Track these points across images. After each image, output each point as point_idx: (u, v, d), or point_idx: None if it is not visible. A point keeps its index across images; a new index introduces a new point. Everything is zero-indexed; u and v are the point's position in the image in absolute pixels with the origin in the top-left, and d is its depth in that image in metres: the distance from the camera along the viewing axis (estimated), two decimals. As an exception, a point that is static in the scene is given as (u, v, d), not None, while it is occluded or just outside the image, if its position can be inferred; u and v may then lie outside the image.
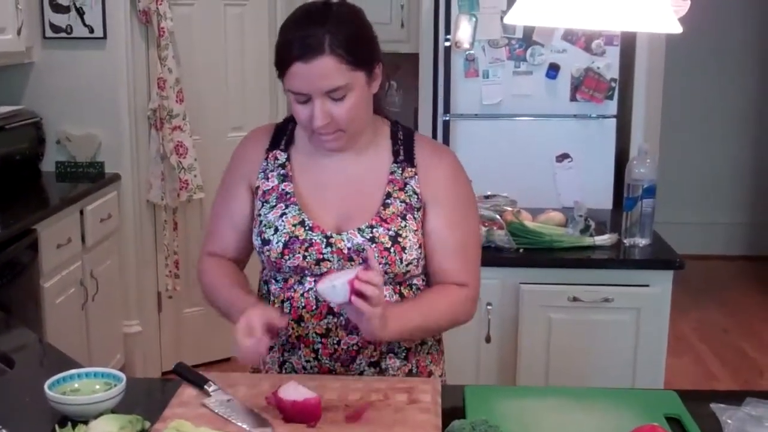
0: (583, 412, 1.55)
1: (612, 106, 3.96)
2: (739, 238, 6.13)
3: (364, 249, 1.61)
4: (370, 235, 1.63)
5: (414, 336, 1.70)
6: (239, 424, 1.43)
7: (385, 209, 1.66)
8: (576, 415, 1.54)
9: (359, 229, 1.64)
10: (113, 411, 1.46)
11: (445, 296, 1.69)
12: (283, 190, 1.70)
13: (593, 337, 2.74)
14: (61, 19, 3.72)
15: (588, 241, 2.78)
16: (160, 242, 3.93)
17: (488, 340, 2.78)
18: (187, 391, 1.56)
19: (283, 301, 1.68)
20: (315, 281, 1.59)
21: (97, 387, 1.52)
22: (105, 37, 3.73)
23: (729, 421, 1.48)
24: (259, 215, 1.71)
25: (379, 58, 1.65)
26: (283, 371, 1.72)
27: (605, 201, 3.80)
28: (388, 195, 1.68)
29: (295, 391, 1.45)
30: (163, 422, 1.43)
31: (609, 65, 3.90)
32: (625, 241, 2.82)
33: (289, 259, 1.65)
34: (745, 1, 5.84)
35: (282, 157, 1.74)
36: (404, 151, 1.72)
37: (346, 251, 1.63)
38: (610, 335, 2.73)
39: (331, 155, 1.70)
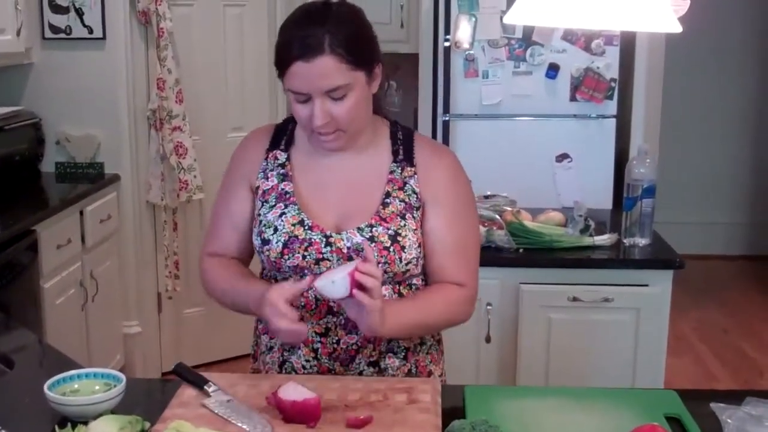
0: (583, 412, 1.55)
1: (612, 106, 3.96)
2: (738, 238, 6.13)
3: (363, 249, 1.61)
4: (370, 234, 1.63)
5: (411, 333, 1.70)
6: (239, 424, 1.43)
7: (384, 208, 1.66)
8: (576, 415, 1.54)
9: (359, 229, 1.64)
10: (113, 411, 1.45)
11: (442, 295, 1.69)
12: (282, 189, 1.70)
13: (593, 337, 2.74)
14: (60, 20, 3.72)
15: (588, 241, 2.78)
16: (160, 243, 3.93)
17: (488, 340, 2.78)
18: (187, 392, 1.55)
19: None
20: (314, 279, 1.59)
21: (97, 388, 1.52)
22: (104, 37, 3.73)
23: (729, 421, 1.48)
24: (259, 215, 1.71)
25: (379, 58, 1.65)
26: (283, 371, 1.72)
27: (605, 201, 3.80)
28: (388, 194, 1.68)
29: (294, 391, 1.45)
30: (163, 423, 1.43)
31: (609, 65, 3.90)
32: (624, 241, 2.82)
33: (289, 258, 1.65)
34: (745, 0, 5.84)
35: (282, 157, 1.74)
36: (404, 150, 1.72)
37: (345, 251, 1.63)
38: (610, 335, 2.72)
39: (330, 155, 1.70)
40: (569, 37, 3.89)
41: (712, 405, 1.54)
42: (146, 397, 1.65)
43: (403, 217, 1.66)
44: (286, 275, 1.67)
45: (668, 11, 1.28)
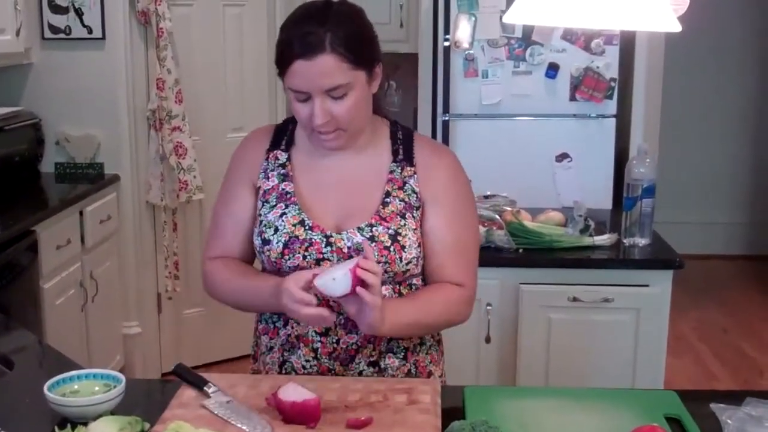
0: (583, 412, 1.55)
1: (611, 106, 3.96)
2: (738, 237, 6.13)
3: (363, 249, 1.61)
4: (370, 234, 1.63)
5: (410, 332, 1.70)
6: (239, 425, 1.43)
7: (384, 208, 1.66)
8: (576, 415, 1.54)
9: (359, 228, 1.64)
10: (113, 412, 1.45)
11: (441, 294, 1.69)
12: (283, 189, 1.70)
13: (593, 337, 2.73)
14: (59, 20, 3.72)
15: (588, 241, 2.78)
16: (160, 243, 3.93)
17: (488, 340, 2.78)
18: (187, 393, 1.55)
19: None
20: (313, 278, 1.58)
21: (97, 388, 1.52)
22: (104, 37, 3.73)
23: (729, 421, 1.48)
24: (260, 215, 1.71)
25: (379, 58, 1.65)
26: (283, 371, 1.72)
27: (605, 201, 3.80)
28: (388, 194, 1.68)
29: (294, 392, 1.45)
30: (163, 424, 1.42)
31: (608, 65, 3.90)
32: (624, 241, 2.82)
33: (289, 258, 1.64)
34: (744, 0, 5.84)
35: (283, 157, 1.74)
36: (404, 150, 1.72)
37: (345, 250, 1.63)
38: (610, 335, 2.72)
39: (330, 155, 1.70)
40: (569, 36, 3.89)
41: (712, 405, 1.54)
42: (146, 398, 1.65)
43: (403, 217, 1.66)
44: (287, 275, 1.67)
45: (668, 10, 1.28)
